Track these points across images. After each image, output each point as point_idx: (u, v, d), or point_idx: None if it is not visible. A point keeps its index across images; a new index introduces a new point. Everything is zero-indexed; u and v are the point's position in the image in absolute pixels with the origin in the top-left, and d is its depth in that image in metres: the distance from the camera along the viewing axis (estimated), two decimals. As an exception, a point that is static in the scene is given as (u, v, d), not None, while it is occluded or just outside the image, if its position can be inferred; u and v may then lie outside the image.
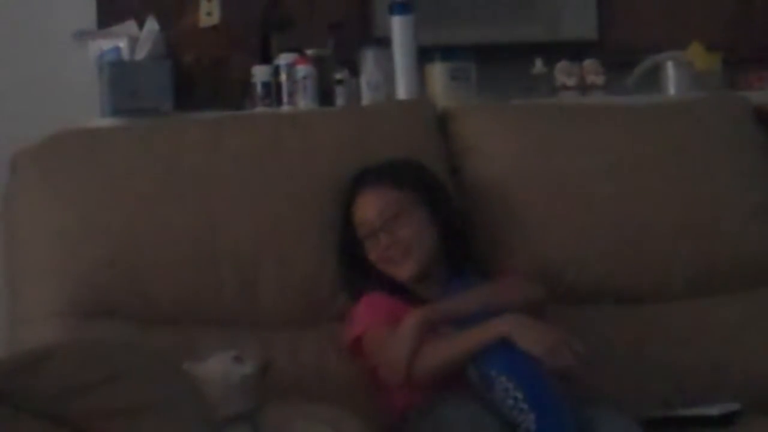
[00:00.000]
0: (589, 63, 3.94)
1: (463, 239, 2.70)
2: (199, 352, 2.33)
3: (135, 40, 3.51)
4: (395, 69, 3.53)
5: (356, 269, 2.66)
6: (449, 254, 2.66)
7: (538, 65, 4.01)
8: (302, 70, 3.56)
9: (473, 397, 2.40)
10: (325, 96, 3.58)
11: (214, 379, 2.23)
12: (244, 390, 2.27)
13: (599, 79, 3.92)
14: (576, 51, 4.04)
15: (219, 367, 2.26)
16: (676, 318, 2.84)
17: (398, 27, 3.51)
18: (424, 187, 2.69)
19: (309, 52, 3.63)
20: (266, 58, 3.63)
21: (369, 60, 3.62)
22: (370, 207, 2.65)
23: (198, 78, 3.49)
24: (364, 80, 3.59)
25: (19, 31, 3.70)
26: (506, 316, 2.45)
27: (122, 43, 3.51)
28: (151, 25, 3.51)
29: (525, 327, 2.43)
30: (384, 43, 3.59)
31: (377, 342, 2.55)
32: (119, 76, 3.41)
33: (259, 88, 3.54)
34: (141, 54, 3.48)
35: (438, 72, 3.64)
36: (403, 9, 3.51)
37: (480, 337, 2.44)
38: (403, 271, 2.63)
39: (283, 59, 3.58)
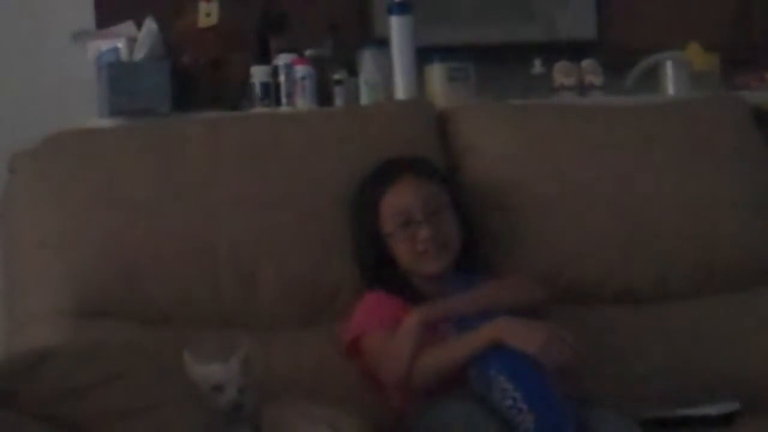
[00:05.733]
0: (587, 63, 3.94)
1: (476, 244, 2.69)
2: (199, 352, 2.33)
3: (133, 40, 3.51)
4: (394, 69, 3.53)
5: (376, 265, 2.63)
6: (462, 257, 2.66)
7: (537, 65, 4.01)
8: (301, 70, 3.56)
9: (472, 398, 2.40)
10: (323, 96, 3.58)
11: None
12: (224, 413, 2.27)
13: (598, 80, 3.92)
14: (575, 51, 4.04)
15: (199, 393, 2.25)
16: (675, 318, 2.84)
17: (397, 27, 3.51)
18: (451, 186, 2.69)
19: (307, 52, 3.63)
20: (265, 59, 3.63)
21: (368, 60, 3.62)
22: (412, 196, 2.61)
23: (197, 78, 3.49)
24: (362, 80, 3.59)
25: (18, 31, 3.71)
26: (497, 319, 2.45)
27: (121, 44, 3.51)
28: (150, 25, 3.51)
29: (516, 328, 2.43)
30: (383, 43, 3.59)
31: (376, 344, 2.54)
32: (118, 76, 3.41)
33: (257, 89, 3.54)
34: (139, 54, 3.48)
35: (437, 72, 3.64)
36: (401, 9, 3.51)
37: (472, 344, 2.43)
38: (435, 266, 2.60)
39: (282, 60, 3.59)
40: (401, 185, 2.63)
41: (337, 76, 3.60)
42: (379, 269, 2.63)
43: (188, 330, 2.54)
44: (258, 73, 3.56)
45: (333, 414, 2.33)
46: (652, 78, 3.96)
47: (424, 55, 3.62)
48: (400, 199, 2.62)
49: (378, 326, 2.55)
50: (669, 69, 3.89)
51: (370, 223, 2.63)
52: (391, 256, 2.63)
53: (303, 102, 3.53)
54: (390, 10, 3.53)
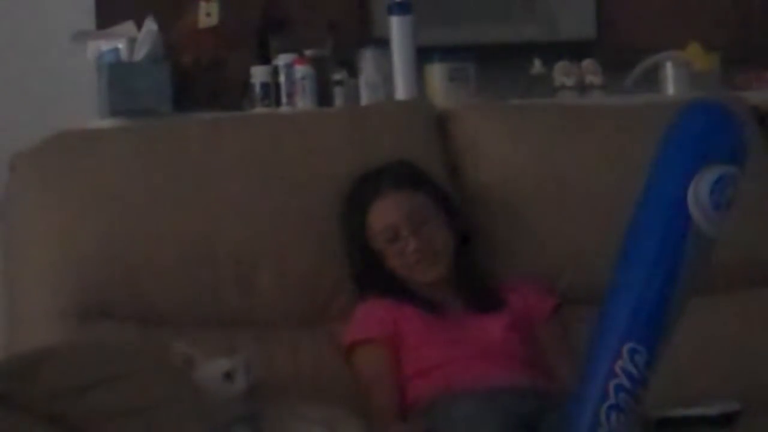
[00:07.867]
0: (587, 63, 3.95)
1: (471, 244, 2.69)
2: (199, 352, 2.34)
3: (134, 41, 3.52)
4: (394, 69, 3.53)
5: (370, 274, 2.63)
6: (459, 259, 2.65)
7: (537, 65, 4.03)
8: (301, 70, 3.57)
9: (475, 398, 2.39)
10: (323, 96, 3.59)
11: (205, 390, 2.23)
12: (234, 404, 2.27)
13: (598, 79, 3.93)
14: (575, 51, 4.05)
15: (209, 384, 2.25)
16: (675, 318, 2.83)
17: (397, 27, 3.51)
18: (436, 189, 2.68)
19: (307, 52, 3.64)
20: (265, 59, 3.64)
21: (368, 60, 3.63)
22: (396, 212, 2.59)
23: (197, 79, 3.50)
24: (362, 81, 3.60)
25: (18, 31, 3.72)
26: None
27: (121, 44, 3.52)
28: (150, 26, 3.52)
29: None
30: (383, 43, 3.60)
31: (360, 365, 2.56)
32: (118, 77, 3.42)
33: (257, 89, 3.55)
34: (140, 55, 3.49)
35: (437, 72, 3.65)
36: (401, 9, 3.51)
37: None
38: (430, 274, 2.60)
39: (282, 60, 3.59)
40: (383, 202, 2.61)
41: (337, 77, 3.61)
42: (375, 277, 2.63)
43: (188, 330, 2.54)
44: (258, 73, 3.57)
45: (331, 415, 2.33)
46: (652, 78, 3.96)
47: (424, 55, 3.63)
48: (383, 217, 2.60)
49: (370, 335, 2.56)
50: (669, 69, 3.90)
51: (360, 237, 2.62)
52: (384, 265, 2.62)
53: (303, 102, 3.54)
54: (390, 10, 3.53)
